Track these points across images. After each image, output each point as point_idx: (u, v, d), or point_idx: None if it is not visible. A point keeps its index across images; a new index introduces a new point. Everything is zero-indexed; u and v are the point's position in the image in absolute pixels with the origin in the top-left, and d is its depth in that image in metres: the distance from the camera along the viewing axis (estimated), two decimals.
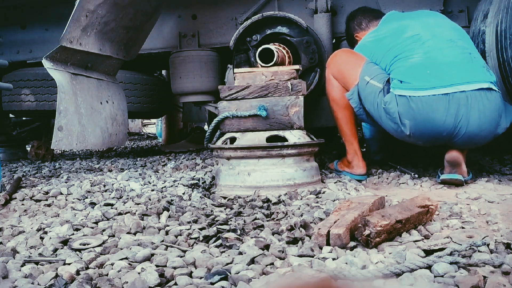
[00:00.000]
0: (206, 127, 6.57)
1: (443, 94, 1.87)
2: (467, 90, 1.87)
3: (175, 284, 0.98)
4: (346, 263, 1.03)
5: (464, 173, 2.03)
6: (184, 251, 1.19)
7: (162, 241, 1.28)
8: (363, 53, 2.24)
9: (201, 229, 1.37)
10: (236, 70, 2.17)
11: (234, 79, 2.16)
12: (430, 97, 1.89)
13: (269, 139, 2.01)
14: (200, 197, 1.91)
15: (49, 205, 1.89)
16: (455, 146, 1.99)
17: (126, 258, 1.13)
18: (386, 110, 2.00)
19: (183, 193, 1.96)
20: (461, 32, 2.11)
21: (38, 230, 1.46)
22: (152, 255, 1.14)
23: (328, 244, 1.16)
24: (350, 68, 2.21)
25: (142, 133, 10.68)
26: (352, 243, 1.16)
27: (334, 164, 2.47)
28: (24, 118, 5.45)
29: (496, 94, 1.91)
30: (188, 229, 1.37)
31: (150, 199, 1.84)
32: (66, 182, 2.39)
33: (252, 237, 1.27)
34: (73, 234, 1.40)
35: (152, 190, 2.02)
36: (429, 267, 0.97)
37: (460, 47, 2.01)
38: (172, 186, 2.13)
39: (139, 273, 1.02)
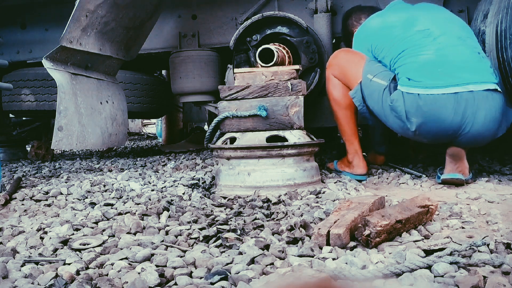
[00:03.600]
0: (206, 127, 6.57)
1: (452, 93, 1.86)
2: (475, 90, 1.86)
3: (175, 284, 0.98)
4: (346, 263, 1.03)
5: (466, 169, 2.03)
6: (184, 251, 1.19)
7: (162, 241, 1.28)
8: (369, 36, 2.20)
9: (201, 229, 1.37)
10: (236, 70, 2.17)
11: (234, 79, 2.16)
12: (440, 95, 1.87)
13: (269, 139, 2.01)
14: (200, 197, 1.91)
15: (49, 205, 1.89)
16: (458, 145, 1.99)
17: (126, 258, 1.13)
18: (393, 108, 1.98)
19: (183, 193, 1.96)
20: (469, 30, 2.11)
21: (38, 230, 1.46)
22: (152, 255, 1.14)
23: (328, 244, 1.16)
24: (352, 66, 2.19)
25: (142, 133, 10.68)
26: (352, 243, 1.16)
27: (334, 164, 2.46)
28: (24, 118, 5.45)
29: (500, 96, 1.91)
30: (188, 229, 1.37)
31: (150, 199, 1.84)
32: (66, 182, 2.39)
33: (252, 237, 1.27)
34: (73, 234, 1.40)
35: (152, 190, 2.02)
36: (429, 267, 0.97)
37: (470, 46, 2.00)
38: (172, 186, 2.13)
39: (139, 273, 1.02)
